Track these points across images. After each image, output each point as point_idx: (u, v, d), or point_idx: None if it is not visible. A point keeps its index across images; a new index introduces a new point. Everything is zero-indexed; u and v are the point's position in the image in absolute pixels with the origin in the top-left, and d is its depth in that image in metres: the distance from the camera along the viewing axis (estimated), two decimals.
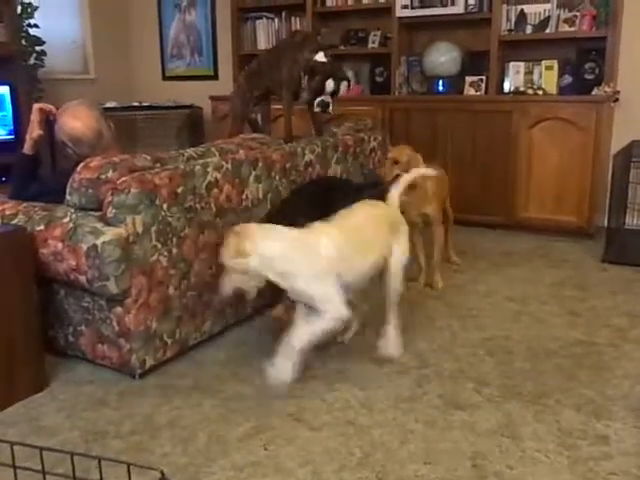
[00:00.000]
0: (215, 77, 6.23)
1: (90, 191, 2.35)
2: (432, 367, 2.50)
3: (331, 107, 3.18)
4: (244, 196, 2.84)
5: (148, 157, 2.50)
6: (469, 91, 4.66)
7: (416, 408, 2.19)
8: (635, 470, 1.84)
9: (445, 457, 1.92)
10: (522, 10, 4.43)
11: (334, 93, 3.17)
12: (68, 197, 2.41)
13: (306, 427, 2.09)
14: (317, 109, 3.18)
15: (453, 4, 4.48)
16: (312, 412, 2.18)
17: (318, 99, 3.15)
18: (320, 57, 3.20)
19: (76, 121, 2.71)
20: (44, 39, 5.34)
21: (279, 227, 2.28)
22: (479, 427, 2.07)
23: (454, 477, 1.83)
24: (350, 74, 5.19)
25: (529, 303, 3.15)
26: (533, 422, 2.09)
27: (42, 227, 2.35)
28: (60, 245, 2.30)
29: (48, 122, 2.85)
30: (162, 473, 0.85)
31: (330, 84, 3.12)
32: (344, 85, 3.21)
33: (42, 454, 0.99)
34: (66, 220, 2.33)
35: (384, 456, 1.93)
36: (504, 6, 4.45)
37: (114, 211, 2.28)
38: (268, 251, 2.19)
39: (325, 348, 2.67)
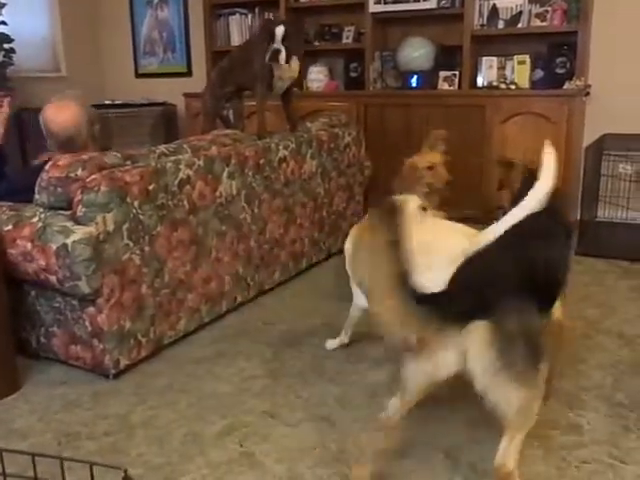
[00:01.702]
0: (189, 74, 6.18)
1: (59, 190, 2.32)
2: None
3: (283, 56, 3.12)
4: (217, 193, 2.83)
5: (118, 154, 2.47)
6: (443, 86, 4.67)
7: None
8: (607, 458, 1.86)
9: (420, 449, 1.92)
10: (494, 5, 4.45)
11: (288, 44, 3.11)
12: (37, 196, 2.37)
13: (282, 423, 2.09)
14: (267, 57, 3.12)
15: None
16: (287, 408, 2.18)
17: (270, 48, 3.11)
18: (279, 28, 3.17)
19: (56, 115, 2.65)
20: (13, 36, 5.25)
21: None
22: (454, 420, 2.08)
23: (428, 469, 1.84)
24: (325, 70, 5.20)
25: None
26: None
27: (10, 227, 2.31)
28: (29, 245, 2.26)
29: (19, 118, 2.81)
30: (125, 472, 0.84)
31: (280, 30, 3.09)
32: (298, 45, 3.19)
33: (2, 455, 0.98)
34: (35, 219, 2.30)
35: (359, 451, 1.93)
36: (476, 1, 4.46)
37: (84, 210, 2.25)
38: None
39: (299, 344, 2.67)
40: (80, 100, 2.76)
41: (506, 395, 1.45)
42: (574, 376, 2.34)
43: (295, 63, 3.30)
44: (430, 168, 2.80)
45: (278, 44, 3.10)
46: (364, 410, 2.16)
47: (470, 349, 1.45)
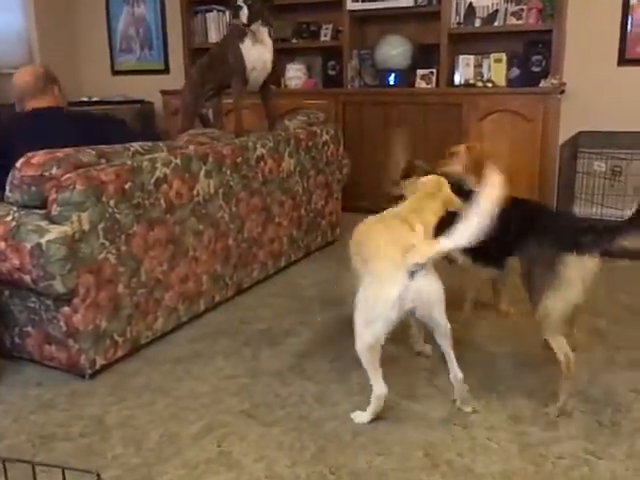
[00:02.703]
0: (166, 71, 6.13)
1: (33, 189, 2.29)
2: (384, 360, 2.49)
3: (244, 15, 3.14)
4: (195, 192, 2.81)
5: (93, 152, 2.44)
6: (420, 84, 4.69)
7: (368, 401, 2.19)
8: (582, 453, 1.88)
9: (397, 447, 1.93)
10: (471, 3, 4.48)
11: (251, 5, 3.13)
12: (8, 194, 2.34)
13: (259, 423, 2.08)
14: (230, 15, 3.19)
15: None
16: (265, 408, 2.17)
17: (235, 4, 3.14)
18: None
19: (16, 75, 2.97)
20: None
21: None
22: (431, 417, 2.09)
23: (406, 467, 1.84)
24: (303, 68, 5.19)
25: (479, 292, 3.18)
26: (484, 410, 2.12)
27: None
28: (3, 244, 2.23)
29: None
30: (98, 476, 0.83)
31: None
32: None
33: None
34: (9, 218, 2.26)
35: (337, 449, 1.93)
36: None
37: (59, 209, 2.22)
38: None
39: (278, 343, 2.67)
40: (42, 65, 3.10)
41: None
42: (549, 372, 2.36)
43: (268, 42, 3.34)
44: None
45: (240, 2, 3.13)
46: (343, 408, 2.16)
47: None
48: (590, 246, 2.00)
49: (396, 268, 1.89)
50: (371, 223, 2.15)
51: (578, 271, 2.00)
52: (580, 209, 4.28)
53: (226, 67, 3.34)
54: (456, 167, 2.65)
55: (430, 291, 1.94)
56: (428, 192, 2.20)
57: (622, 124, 4.30)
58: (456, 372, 2.07)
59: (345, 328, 2.76)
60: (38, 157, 2.32)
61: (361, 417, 2.08)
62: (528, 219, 2.21)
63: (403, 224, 2.05)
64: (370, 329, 1.94)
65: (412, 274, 1.89)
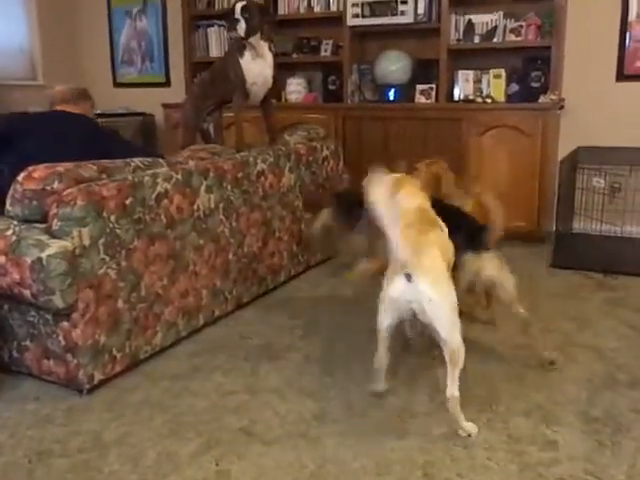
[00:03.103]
0: (167, 84, 6.16)
1: (34, 203, 2.30)
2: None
3: (241, 25, 3.16)
4: (195, 206, 2.81)
5: (94, 167, 2.45)
6: (420, 99, 4.71)
7: (369, 418, 2.19)
8: (582, 474, 1.87)
9: (397, 467, 1.92)
10: (470, 20, 4.51)
11: (248, 17, 3.16)
12: (9, 208, 2.34)
13: (258, 441, 2.07)
14: (228, 32, 3.28)
15: (403, 14, 4.52)
16: (264, 425, 2.16)
17: (232, 18, 3.18)
18: (239, 3, 3.22)
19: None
20: None
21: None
22: (432, 436, 2.08)
23: None
24: (303, 82, 5.21)
25: (477, 309, 3.18)
26: (484, 429, 2.11)
27: None
28: (3, 258, 2.23)
29: None
30: None
31: (240, 4, 3.16)
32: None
33: None
34: (9, 233, 2.27)
35: (337, 469, 1.92)
36: (452, 16, 4.52)
37: (60, 223, 2.22)
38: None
39: (277, 359, 2.66)
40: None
41: None
42: (549, 390, 2.36)
43: (268, 57, 3.37)
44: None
45: (237, 15, 3.16)
46: (343, 426, 2.15)
47: None
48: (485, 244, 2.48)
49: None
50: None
51: (475, 264, 2.46)
52: (579, 225, 4.29)
53: (227, 82, 3.36)
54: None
55: (430, 299, 2.02)
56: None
57: (621, 140, 4.31)
58: (451, 390, 2.07)
59: (345, 344, 2.77)
60: (39, 171, 2.32)
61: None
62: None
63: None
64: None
65: (409, 277, 2.02)
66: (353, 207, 2.90)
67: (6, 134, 2.92)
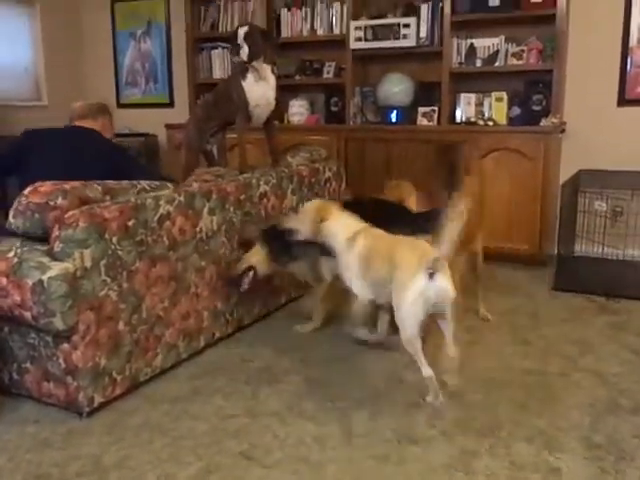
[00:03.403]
0: (171, 105, 6.20)
1: (36, 216, 2.30)
2: (385, 401, 2.49)
3: (245, 53, 3.21)
4: (198, 228, 2.82)
5: (99, 187, 2.46)
6: (422, 121, 4.73)
7: (370, 443, 2.18)
8: None
9: None
10: (472, 44, 4.54)
11: (251, 42, 3.19)
12: (11, 219, 2.34)
13: (258, 465, 2.05)
14: (231, 56, 3.32)
15: (405, 37, 4.56)
16: (264, 449, 2.15)
17: (235, 44, 3.22)
18: (242, 28, 3.26)
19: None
20: None
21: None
22: (432, 462, 2.06)
23: None
24: (306, 104, 5.24)
25: (481, 332, 3.18)
26: (486, 456, 2.09)
27: None
28: (4, 280, 2.23)
29: None
30: None
31: (243, 29, 3.21)
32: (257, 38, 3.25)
33: None
34: (11, 254, 2.27)
35: None
36: (454, 40, 4.56)
37: (61, 245, 2.22)
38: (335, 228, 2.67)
39: (278, 382, 2.65)
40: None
41: None
42: (551, 415, 2.34)
43: (271, 79, 3.40)
44: None
45: (240, 40, 3.21)
46: (343, 450, 2.13)
47: None
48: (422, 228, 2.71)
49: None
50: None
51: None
52: (581, 248, 4.29)
53: (230, 104, 3.38)
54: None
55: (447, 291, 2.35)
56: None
57: (623, 164, 4.32)
58: (450, 350, 2.45)
59: (347, 367, 2.75)
60: (46, 186, 2.33)
61: (433, 400, 2.42)
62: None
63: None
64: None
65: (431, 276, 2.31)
66: (281, 240, 2.96)
67: (21, 151, 2.98)
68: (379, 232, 2.64)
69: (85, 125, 3.16)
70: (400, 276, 2.37)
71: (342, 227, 2.69)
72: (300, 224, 2.77)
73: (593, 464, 2.03)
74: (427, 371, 2.38)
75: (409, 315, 2.34)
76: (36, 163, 2.88)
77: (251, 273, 3.04)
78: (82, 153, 2.93)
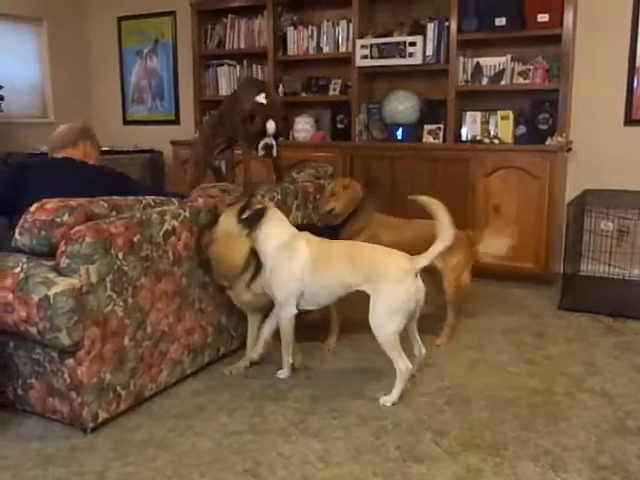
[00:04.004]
0: (176, 122, 6.24)
1: (43, 233, 2.30)
2: (390, 418, 2.48)
3: (275, 150, 3.17)
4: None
5: (105, 204, 2.47)
6: (427, 139, 4.75)
7: (374, 461, 2.16)
8: None
9: None
10: (478, 63, 4.57)
11: (277, 135, 3.16)
12: (17, 237, 2.34)
13: None
14: (261, 153, 3.15)
15: (411, 56, 4.59)
16: (268, 467, 2.14)
17: (262, 142, 3.14)
18: (261, 98, 3.21)
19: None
20: (1, 83, 5.30)
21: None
22: None
23: None
24: (311, 121, 5.27)
25: (486, 351, 3.17)
26: (491, 475, 2.07)
27: None
28: (10, 296, 2.24)
29: (5, 162, 2.89)
30: None
31: (271, 125, 3.12)
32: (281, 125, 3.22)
33: None
34: (17, 270, 2.27)
35: None
36: (461, 58, 4.58)
37: (67, 261, 2.23)
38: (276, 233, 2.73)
39: (282, 399, 2.64)
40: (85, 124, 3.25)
41: None
42: (557, 435, 2.33)
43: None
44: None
45: (270, 139, 3.14)
46: (348, 468, 2.12)
47: None
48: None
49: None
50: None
51: None
52: (587, 267, 4.28)
53: (234, 122, 3.38)
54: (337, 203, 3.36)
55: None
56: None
57: (629, 183, 4.32)
58: (421, 347, 2.74)
59: (351, 384, 2.74)
60: (52, 204, 2.34)
61: (390, 399, 2.57)
62: None
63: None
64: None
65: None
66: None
67: (8, 194, 2.76)
68: (317, 238, 2.76)
69: (67, 155, 2.96)
70: (391, 276, 2.53)
71: (276, 231, 2.74)
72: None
73: None
74: (407, 364, 2.56)
75: (403, 311, 2.51)
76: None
77: None
78: (80, 188, 2.63)
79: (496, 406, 2.57)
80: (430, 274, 2.99)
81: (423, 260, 2.55)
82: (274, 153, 3.18)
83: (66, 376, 2.31)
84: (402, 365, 2.55)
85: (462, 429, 2.38)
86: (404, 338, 2.63)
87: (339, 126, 5.21)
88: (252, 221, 2.71)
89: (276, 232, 2.73)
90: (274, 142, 3.15)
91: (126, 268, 2.42)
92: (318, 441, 2.30)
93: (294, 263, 2.66)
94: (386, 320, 2.51)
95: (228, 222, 2.73)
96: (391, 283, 2.52)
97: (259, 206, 2.77)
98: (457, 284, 3.23)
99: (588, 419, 2.46)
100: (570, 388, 2.73)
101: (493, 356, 3.10)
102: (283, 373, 2.86)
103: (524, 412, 2.51)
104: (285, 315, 2.74)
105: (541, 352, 3.15)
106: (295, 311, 2.74)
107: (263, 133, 3.14)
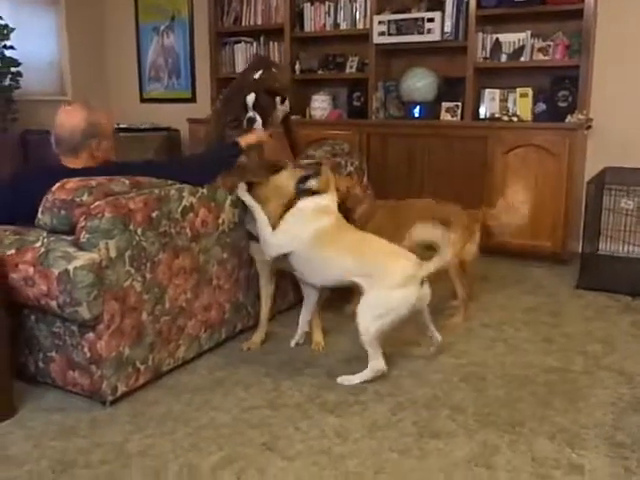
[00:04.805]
0: (193, 100, 6.23)
1: (63, 212, 2.32)
2: (406, 394, 2.48)
3: (258, 123, 3.10)
4: (220, 220, 2.83)
5: (127, 182, 2.47)
6: (445, 117, 4.71)
7: (391, 436, 2.18)
8: None
9: None
10: (497, 39, 4.50)
11: (262, 110, 3.10)
12: (40, 216, 2.37)
13: (279, 456, 2.06)
14: (245, 126, 3.10)
15: (429, 32, 4.53)
16: (285, 441, 2.16)
17: (246, 116, 3.11)
18: (256, 75, 3.18)
19: (58, 116, 2.72)
20: (20, 60, 5.31)
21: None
22: (453, 456, 2.06)
23: None
24: (328, 99, 5.23)
25: (503, 329, 3.16)
26: (507, 451, 2.08)
27: (13, 251, 2.31)
28: (31, 270, 2.26)
29: (23, 139, 2.83)
30: None
31: (251, 97, 3.07)
32: (278, 100, 3.16)
33: None
34: (38, 244, 2.30)
35: None
36: (479, 35, 4.52)
37: (87, 236, 2.25)
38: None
39: (299, 374, 2.65)
40: (91, 112, 2.72)
41: None
42: (574, 413, 2.32)
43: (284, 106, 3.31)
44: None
45: (252, 113, 3.10)
46: (365, 444, 2.13)
47: None
48: None
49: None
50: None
51: None
52: (606, 246, 4.24)
53: (243, 100, 3.34)
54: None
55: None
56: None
57: None
58: (436, 336, 2.78)
59: (366, 361, 2.75)
60: (72, 183, 2.36)
61: (350, 380, 2.57)
62: None
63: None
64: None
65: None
66: None
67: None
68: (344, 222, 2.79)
69: (69, 165, 2.67)
70: (391, 280, 2.49)
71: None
72: None
73: (617, 463, 2.01)
74: (381, 364, 2.57)
75: (391, 316, 2.49)
76: None
77: None
78: None
79: (512, 384, 2.57)
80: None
81: (431, 266, 2.51)
82: (256, 127, 3.12)
83: (86, 350, 2.33)
84: (376, 364, 2.56)
85: (478, 406, 2.38)
86: (418, 328, 2.70)
87: (356, 104, 5.18)
88: (305, 193, 2.75)
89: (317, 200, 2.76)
90: (256, 116, 3.10)
91: (145, 244, 2.43)
92: (335, 416, 2.32)
93: (307, 224, 2.69)
94: (371, 320, 2.50)
95: (287, 180, 2.79)
96: (388, 286, 2.49)
97: (316, 181, 2.78)
98: (460, 259, 3.20)
99: (605, 397, 2.45)
100: (587, 366, 2.73)
101: (510, 334, 3.10)
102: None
103: (541, 390, 2.51)
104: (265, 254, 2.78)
105: (558, 330, 3.14)
106: (269, 256, 2.76)
107: (246, 108, 3.12)
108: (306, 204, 2.73)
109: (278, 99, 3.26)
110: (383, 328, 2.50)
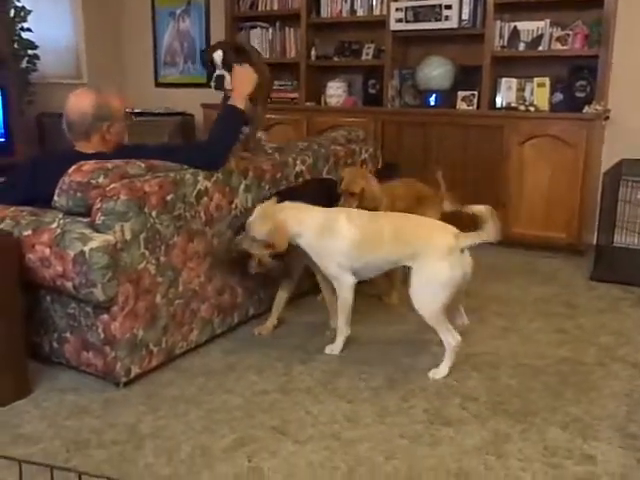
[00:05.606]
0: (208, 85, 6.19)
1: (79, 194, 2.33)
2: (417, 382, 2.49)
3: (228, 80, 2.92)
4: (234, 205, 2.83)
5: (142, 165, 2.48)
6: (461, 105, 4.67)
7: (402, 423, 2.18)
8: None
9: (430, 474, 1.90)
10: (515, 27, 4.46)
11: (228, 66, 2.91)
12: (56, 198, 2.39)
13: (291, 440, 2.07)
14: (212, 85, 2.96)
15: (447, 19, 4.49)
16: (297, 425, 2.17)
17: (214, 74, 2.94)
18: (217, 53, 2.96)
19: (69, 100, 2.73)
20: (37, 43, 5.33)
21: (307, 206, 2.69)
22: (464, 444, 2.06)
23: None
24: (343, 86, 5.21)
25: (517, 320, 3.15)
26: (519, 440, 2.08)
27: (29, 232, 2.33)
28: (47, 251, 2.28)
29: (40, 122, 2.82)
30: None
31: (218, 54, 2.91)
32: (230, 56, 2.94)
33: (21, 466, 0.97)
34: (54, 225, 2.31)
35: (369, 471, 1.91)
36: (497, 22, 4.48)
37: (103, 218, 2.26)
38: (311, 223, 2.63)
39: (311, 359, 2.66)
40: (101, 96, 2.74)
41: None
42: (587, 404, 2.32)
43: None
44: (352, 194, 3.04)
45: (220, 70, 2.94)
46: (376, 429, 2.14)
47: None
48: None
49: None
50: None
51: None
52: (621, 238, 4.21)
53: None
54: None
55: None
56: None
57: None
58: (464, 318, 2.73)
59: (380, 348, 2.76)
60: (89, 165, 2.37)
61: (440, 372, 2.53)
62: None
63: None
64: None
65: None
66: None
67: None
68: (358, 212, 2.71)
69: (81, 150, 2.70)
70: (435, 252, 2.46)
71: (306, 217, 2.64)
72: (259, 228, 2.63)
73: (629, 454, 2.01)
74: (456, 337, 2.52)
75: (447, 287, 2.44)
76: None
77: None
78: None
79: (525, 374, 2.56)
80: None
81: (470, 239, 2.44)
82: (227, 85, 2.94)
83: (100, 331, 2.35)
84: (450, 338, 2.50)
85: (490, 395, 2.38)
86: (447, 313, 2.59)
87: (371, 91, 5.15)
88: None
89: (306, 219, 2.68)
90: (225, 73, 2.92)
91: (159, 227, 2.44)
92: (346, 402, 2.33)
93: (337, 245, 2.64)
94: (429, 297, 2.46)
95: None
96: (435, 260, 2.44)
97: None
98: None
99: (618, 389, 2.44)
100: (600, 358, 2.71)
101: (523, 325, 3.09)
102: (336, 348, 2.74)
103: (553, 380, 2.51)
104: (344, 288, 2.70)
105: (572, 322, 3.13)
106: (351, 283, 2.68)
107: (214, 66, 2.95)
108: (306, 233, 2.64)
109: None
110: (444, 302, 2.44)
